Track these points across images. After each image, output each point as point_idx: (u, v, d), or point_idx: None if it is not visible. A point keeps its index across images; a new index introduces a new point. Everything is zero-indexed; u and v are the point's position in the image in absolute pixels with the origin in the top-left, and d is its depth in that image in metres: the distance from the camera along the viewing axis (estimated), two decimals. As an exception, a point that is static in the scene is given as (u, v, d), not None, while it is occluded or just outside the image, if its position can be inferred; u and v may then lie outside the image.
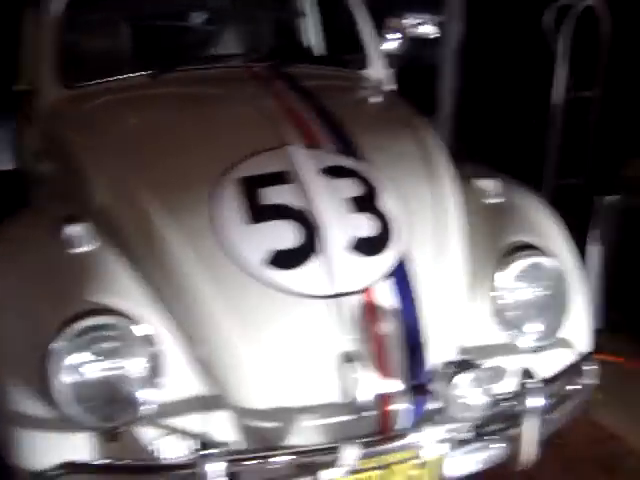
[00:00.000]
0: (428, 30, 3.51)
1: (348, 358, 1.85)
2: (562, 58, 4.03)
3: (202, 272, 1.90)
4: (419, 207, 2.15)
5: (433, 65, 4.93)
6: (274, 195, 2.04)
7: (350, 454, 1.72)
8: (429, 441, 1.80)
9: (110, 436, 1.77)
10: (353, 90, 2.92)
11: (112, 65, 2.90)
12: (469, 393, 1.78)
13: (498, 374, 2.07)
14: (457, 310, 2.06)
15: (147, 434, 1.80)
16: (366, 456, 1.76)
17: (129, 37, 3.04)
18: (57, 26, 2.78)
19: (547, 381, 2.06)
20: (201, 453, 1.63)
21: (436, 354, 1.94)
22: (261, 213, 2.00)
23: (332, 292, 1.90)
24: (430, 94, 5.02)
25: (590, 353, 2.23)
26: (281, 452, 1.76)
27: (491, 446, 1.97)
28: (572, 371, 2.13)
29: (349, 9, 3.19)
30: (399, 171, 2.25)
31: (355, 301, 1.91)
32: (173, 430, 1.81)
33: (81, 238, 1.95)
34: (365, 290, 1.93)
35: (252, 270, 1.91)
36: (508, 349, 2.12)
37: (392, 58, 3.26)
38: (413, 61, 3.30)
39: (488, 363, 2.08)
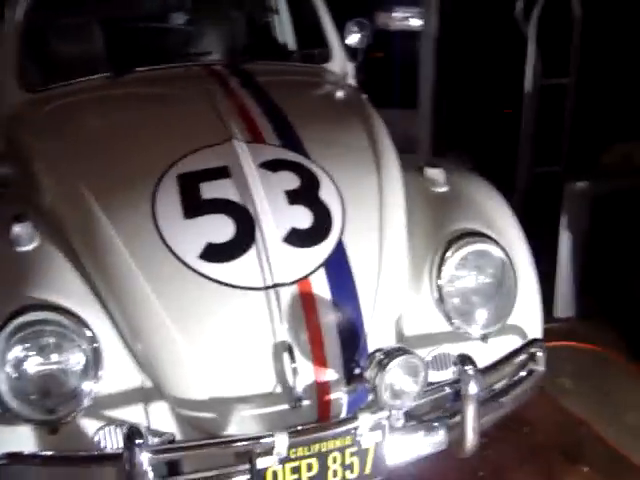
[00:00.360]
0: (415, 23, 3.49)
1: (285, 348, 1.89)
2: (532, 44, 4.03)
3: (141, 268, 1.94)
4: (361, 198, 2.18)
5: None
6: (213, 190, 2.08)
7: (281, 442, 1.75)
8: (363, 428, 1.82)
9: (51, 429, 1.82)
10: (309, 85, 2.94)
11: (75, 68, 2.94)
12: (401, 380, 1.82)
13: (437, 362, 2.11)
14: (398, 299, 2.09)
15: (87, 426, 1.85)
16: (298, 444, 1.79)
17: (93, 39, 3.07)
18: (17, 31, 2.83)
19: (489, 368, 2.10)
20: (129, 444, 1.66)
21: (375, 343, 1.97)
22: (199, 208, 2.04)
23: (268, 283, 1.93)
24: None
25: (537, 340, 2.24)
26: (211, 442, 1.80)
27: (431, 433, 1.99)
28: (516, 357, 2.15)
29: (313, 4, 3.23)
30: (343, 163, 2.28)
31: (291, 292, 1.94)
32: (113, 421, 1.87)
33: (27, 237, 2.00)
34: (301, 280, 1.95)
35: (189, 264, 1.94)
36: (452, 337, 2.14)
37: (356, 52, 3.31)
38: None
39: (431, 351, 2.14)
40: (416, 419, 1.98)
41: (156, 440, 1.81)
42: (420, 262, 2.17)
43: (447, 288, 2.12)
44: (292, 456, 1.80)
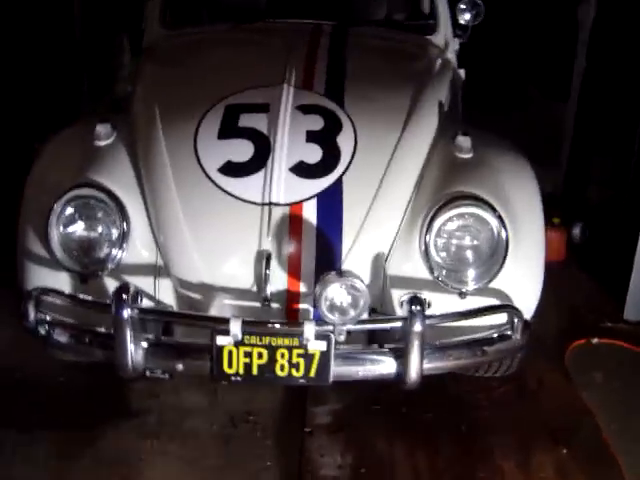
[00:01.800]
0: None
1: (267, 256, 2.26)
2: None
3: (174, 172, 2.39)
4: (373, 149, 2.45)
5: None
6: (249, 120, 2.47)
7: (236, 325, 2.13)
8: (308, 334, 2.13)
9: (82, 279, 2.35)
10: (393, 51, 3.19)
11: (212, 14, 3.49)
12: (341, 298, 2.11)
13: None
14: (382, 241, 2.34)
15: (108, 283, 2.35)
16: (251, 333, 2.15)
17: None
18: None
19: (449, 315, 2.29)
20: (117, 298, 2.13)
21: (350, 268, 2.27)
22: (231, 132, 2.45)
23: (265, 201, 2.29)
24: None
25: (512, 308, 2.33)
26: (180, 314, 2.29)
27: (378, 359, 2.24)
28: (482, 314, 2.30)
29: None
30: (372, 117, 2.55)
31: (283, 211, 2.29)
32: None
33: (105, 135, 2.54)
34: (294, 204, 2.30)
35: (209, 174, 2.37)
36: (431, 286, 2.33)
37: (466, 29, 3.48)
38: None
39: (407, 293, 2.37)
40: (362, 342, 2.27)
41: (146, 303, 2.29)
42: (416, 216, 2.38)
43: (433, 242, 2.32)
44: (246, 342, 2.17)
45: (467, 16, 3.40)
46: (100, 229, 2.34)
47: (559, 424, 2.77)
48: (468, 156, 2.55)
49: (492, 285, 2.37)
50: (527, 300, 2.46)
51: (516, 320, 2.35)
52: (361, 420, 2.73)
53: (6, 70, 4.50)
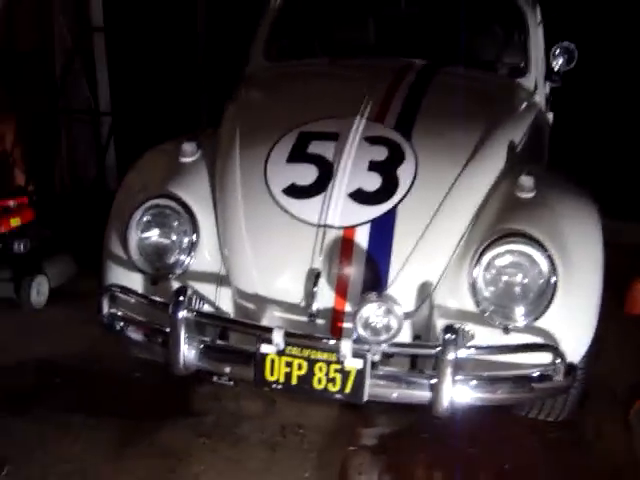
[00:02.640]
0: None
1: (316, 274, 2.39)
2: None
3: (242, 191, 2.59)
4: (432, 183, 2.54)
5: None
6: (318, 147, 2.63)
7: (278, 335, 2.27)
8: (345, 350, 2.23)
9: (153, 280, 2.59)
10: (478, 92, 3.24)
11: (311, 48, 3.71)
12: (377, 319, 2.20)
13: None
14: (430, 271, 2.41)
15: (175, 286, 2.56)
16: (292, 343, 2.28)
17: (338, 26, 3.79)
18: (274, 15, 3.67)
19: (488, 348, 2.32)
20: (175, 299, 2.34)
21: (393, 295, 2.35)
22: (300, 157, 2.61)
23: (321, 223, 2.43)
24: None
25: (553, 348, 2.31)
26: (230, 320, 2.47)
27: (413, 384, 2.30)
28: (521, 351, 2.32)
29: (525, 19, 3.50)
30: (436, 153, 2.64)
31: (336, 234, 2.42)
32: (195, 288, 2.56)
33: (189, 152, 2.78)
34: (348, 228, 2.42)
35: (274, 195, 2.54)
36: (476, 319, 2.37)
37: (557, 73, 3.48)
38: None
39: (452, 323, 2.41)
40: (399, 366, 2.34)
41: (207, 308, 2.48)
42: (468, 250, 2.44)
43: (481, 276, 2.37)
44: (287, 352, 2.31)
45: (560, 61, 3.43)
46: (173, 237, 2.57)
47: (608, 476, 2.69)
48: (529, 196, 2.57)
49: (539, 325, 2.39)
50: (574, 343, 2.44)
51: (558, 361, 2.35)
52: (406, 446, 2.78)
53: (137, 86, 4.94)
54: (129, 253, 2.58)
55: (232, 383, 2.57)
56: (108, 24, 4.85)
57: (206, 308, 2.55)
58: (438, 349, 2.25)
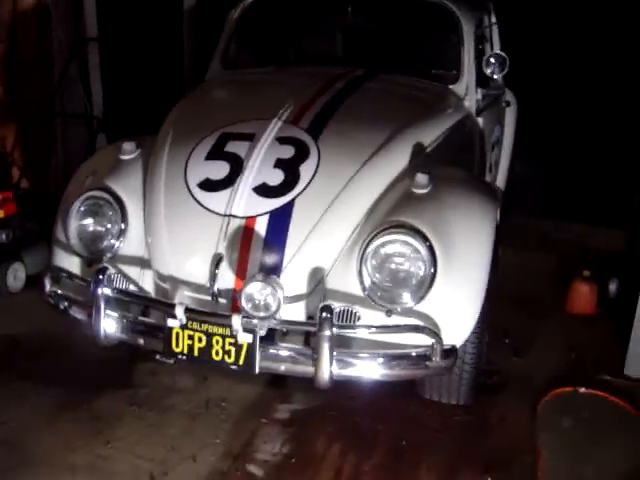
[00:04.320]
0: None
1: (218, 259, 2.67)
2: None
3: (165, 184, 2.88)
4: (330, 178, 2.79)
5: None
6: (234, 146, 2.92)
7: (180, 310, 2.56)
8: (236, 325, 2.51)
9: (88, 263, 2.91)
10: (402, 96, 3.50)
11: (260, 58, 4.01)
12: (260, 296, 2.47)
13: (343, 315, 2.63)
14: (321, 259, 2.67)
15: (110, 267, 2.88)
16: (192, 319, 2.57)
17: (289, 35, 4.08)
18: (232, 26, 3.98)
19: (363, 326, 2.57)
20: (95, 277, 2.67)
21: (287, 277, 2.62)
22: (216, 155, 2.90)
23: (227, 213, 2.72)
24: None
25: (428, 329, 2.55)
26: (140, 297, 2.78)
27: (297, 358, 2.58)
28: (396, 331, 2.56)
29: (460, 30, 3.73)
30: (339, 151, 2.90)
31: (239, 223, 2.71)
32: (120, 270, 2.87)
33: (128, 150, 3.10)
34: (249, 218, 2.70)
35: (190, 188, 2.83)
36: (363, 302, 2.61)
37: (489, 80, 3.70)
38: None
39: (341, 306, 2.66)
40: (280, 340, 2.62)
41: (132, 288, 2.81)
42: (358, 240, 2.69)
43: (368, 263, 2.61)
44: (189, 326, 2.61)
45: (492, 69, 3.64)
46: (106, 224, 2.89)
47: (500, 457, 2.88)
48: (423, 192, 2.80)
49: (419, 309, 2.62)
50: (454, 328, 2.66)
51: (434, 343, 2.58)
52: (314, 421, 3.04)
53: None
54: (68, 238, 2.91)
55: (171, 361, 2.87)
56: (102, 35, 5.26)
57: (131, 287, 2.88)
58: (315, 327, 2.52)
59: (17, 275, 4.04)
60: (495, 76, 3.65)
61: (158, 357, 2.84)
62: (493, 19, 4.56)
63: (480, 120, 3.73)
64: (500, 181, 5.08)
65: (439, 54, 3.92)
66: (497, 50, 4.53)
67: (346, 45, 4.11)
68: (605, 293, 4.12)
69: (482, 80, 3.72)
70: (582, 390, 3.35)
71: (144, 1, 5.35)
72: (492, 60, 3.66)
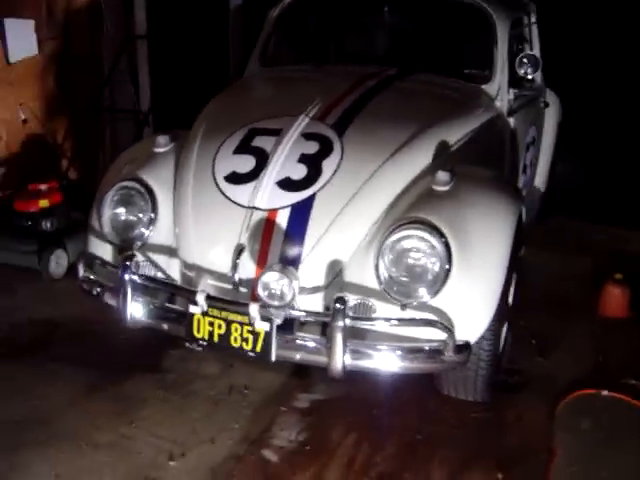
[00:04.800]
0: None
1: (239, 249, 2.76)
2: None
3: (194, 174, 3.00)
4: (351, 174, 2.86)
5: None
6: (260, 141, 3.01)
7: (201, 298, 2.66)
8: (254, 313, 2.59)
9: (119, 250, 3.04)
10: (434, 96, 3.53)
11: (305, 56, 4.08)
12: (276, 285, 2.55)
13: (360, 308, 2.69)
14: (340, 251, 2.74)
15: (138, 255, 2.99)
16: (213, 306, 2.67)
17: (327, 34, 4.15)
18: (271, 24, 4.07)
19: (378, 320, 2.62)
20: (122, 263, 2.80)
21: (306, 269, 2.70)
22: (244, 149, 3.00)
23: (250, 205, 2.82)
24: None
25: (441, 324, 2.59)
26: (166, 283, 2.89)
27: (313, 347, 2.64)
28: (409, 325, 2.60)
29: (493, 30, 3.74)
30: (363, 148, 2.97)
31: (261, 215, 2.80)
32: (150, 258, 2.99)
33: (162, 143, 3.23)
34: (271, 211, 2.79)
35: (217, 181, 2.94)
36: (379, 295, 2.67)
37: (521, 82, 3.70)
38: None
39: (358, 299, 2.72)
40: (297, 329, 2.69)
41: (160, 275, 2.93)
42: (377, 235, 2.74)
43: (382, 258, 2.66)
44: (210, 313, 2.71)
45: (524, 68, 3.64)
46: (138, 214, 3.02)
47: (513, 455, 2.89)
48: (444, 189, 2.84)
49: (433, 304, 2.67)
50: (469, 324, 2.69)
51: (446, 338, 2.61)
52: (333, 411, 3.10)
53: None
54: (102, 226, 3.05)
55: (200, 348, 2.97)
56: (150, 32, 5.43)
57: (159, 275, 2.99)
58: (329, 318, 2.59)
59: (59, 262, 4.22)
60: (529, 76, 3.66)
61: (187, 344, 2.96)
62: (533, 19, 4.54)
63: (512, 120, 3.73)
64: (539, 182, 5.06)
65: (473, 54, 3.94)
66: (537, 51, 4.53)
67: (383, 44, 4.17)
68: (638, 297, 4.07)
69: (518, 81, 3.73)
70: (605, 393, 3.33)
71: (192, 0, 5.52)
72: (525, 60, 3.67)
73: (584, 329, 3.94)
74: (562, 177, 5.56)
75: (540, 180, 5.06)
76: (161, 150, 3.24)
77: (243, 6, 5.62)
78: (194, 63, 5.43)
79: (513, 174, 3.94)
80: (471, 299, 2.71)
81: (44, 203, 4.23)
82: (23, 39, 5.17)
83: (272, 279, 2.59)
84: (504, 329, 3.24)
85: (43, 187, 4.28)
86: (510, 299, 3.26)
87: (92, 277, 3.08)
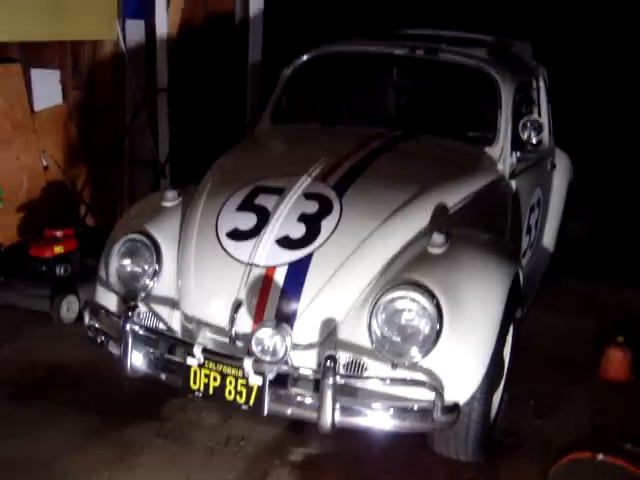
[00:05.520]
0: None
1: (237, 304, 2.85)
2: None
3: (198, 230, 3.11)
4: (349, 234, 2.96)
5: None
6: (263, 199, 3.13)
7: (197, 350, 2.75)
8: (247, 367, 2.67)
9: (124, 300, 3.14)
10: (436, 158, 3.63)
11: (315, 115, 4.22)
12: (270, 342, 2.62)
13: (351, 365, 2.75)
14: (334, 310, 2.82)
15: (141, 306, 3.09)
16: (209, 359, 2.75)
17: (337, 94, 4.29)
18: (283, 83, 4.22)
19: (368, 378, 2.67)
20: (125, 314, 2.89)
21: (301, 326, 2.78)
22: (247, 206, 3.11)
23: (250, 261, 2.92)
24: None
25: (433, 387, 2.65)
26: (173, 339, 2.98)
27: (303, 403, 2.71)
28: (399, 385, 2.65)
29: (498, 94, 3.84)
30: (361, 209, 3.07)
31: (260, 272, 2.89)
32: (152, 308, 3.09)
33: (170, 198, 3.35)
34: (270, 267, 2.89)
35: (219, 236, 3.04)
36: (370, 354, 2.75)
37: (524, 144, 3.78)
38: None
39: (350, 357, 2.78)
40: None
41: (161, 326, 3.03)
42: (371, 295, 2.82)
43: (375, 318, 2.74)
44: (206, 365, 2.79)
45: (527, 132, 3.73)
46: (142, 265, 3.14)
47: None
48: (438, 251, 2.92)
49: (424, 364, 2.72)
50: (458, 385, 2.74)
51: (435, 398, 2.66)
52: (325, 466, 3.14)
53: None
54: (109, 276, 3.16)
55: (200, 398, 3.05)
56: (171, 86, 5.62)
57: (160, 326, 3.09)
58: (319, 374, 2.66)
59: (71, 307, 4.33)
60: (533, 140, 3.74)
61: (190, 395, 3.01)
62: (542, 82, 4.64)
63: (515, 182, 3.81)
64: (547, 242, 5.10)
65: (478, 117, 4.04)
66: (544, 114, 4.62)
67: (392, 106, 4.30)
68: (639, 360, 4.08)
69: (523, 143, 3.81)
70: (600, 457, 3.33)
71: (212, 55, 5.72)
72: (528, 125, 3.76)
73: (584, 391, 3.95)
74: (576, 237, 5.61)
75: (548, 240, 5.10)
76: (169, 204, 3.37)
77: (262, 62, 5.83)
78: (212, 117, 5.63)
79: (515, 236, 4.01)
80: (461, 360, 2.76)
81: (59, 249, 4.37)
82: (48, 88, 5.39)
83: (266, 335, 2.67)
84: (500, 389, 3.28)
85: (59, 233, 4.42)
86: (506, 360, 3.31)
87: (97, 325, 3.20)
